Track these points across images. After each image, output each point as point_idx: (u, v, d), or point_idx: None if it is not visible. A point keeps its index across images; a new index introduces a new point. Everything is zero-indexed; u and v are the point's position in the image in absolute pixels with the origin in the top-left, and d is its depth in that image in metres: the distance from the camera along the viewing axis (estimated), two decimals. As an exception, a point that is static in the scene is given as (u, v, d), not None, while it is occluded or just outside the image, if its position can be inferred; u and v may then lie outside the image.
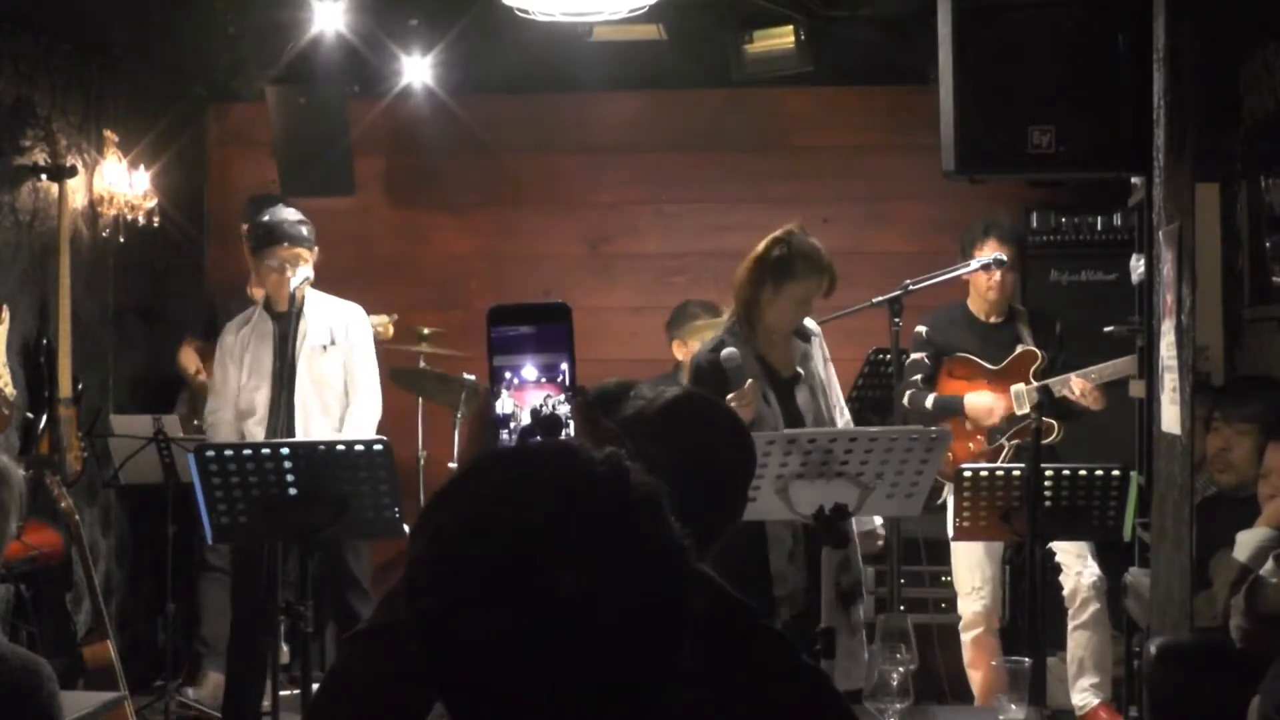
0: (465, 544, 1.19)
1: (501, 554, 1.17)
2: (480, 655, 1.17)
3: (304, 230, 5.28)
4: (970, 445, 5.54)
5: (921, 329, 5.65)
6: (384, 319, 5.86)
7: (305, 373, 5.24)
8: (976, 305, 5.67)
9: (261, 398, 5.24)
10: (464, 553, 1.19)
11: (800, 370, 4.38)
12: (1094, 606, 5.46)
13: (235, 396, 5.33)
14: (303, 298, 5.24)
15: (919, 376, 5.56)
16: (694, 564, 1.24)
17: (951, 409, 5.53)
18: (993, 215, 5.80)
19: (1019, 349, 5.58)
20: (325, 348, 5.28)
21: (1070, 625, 5.50)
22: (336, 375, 5.30)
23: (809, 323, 4.49)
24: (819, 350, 4.47)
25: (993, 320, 5.65)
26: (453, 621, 1.18)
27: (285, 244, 5.23)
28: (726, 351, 4.20)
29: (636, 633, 1.18)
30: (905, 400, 5.43)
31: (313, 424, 5.21)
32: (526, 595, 1.15)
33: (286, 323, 5.22)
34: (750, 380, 4.16)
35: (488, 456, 1.29)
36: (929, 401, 5.50)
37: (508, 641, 1.15)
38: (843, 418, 4.50)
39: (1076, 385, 5.41)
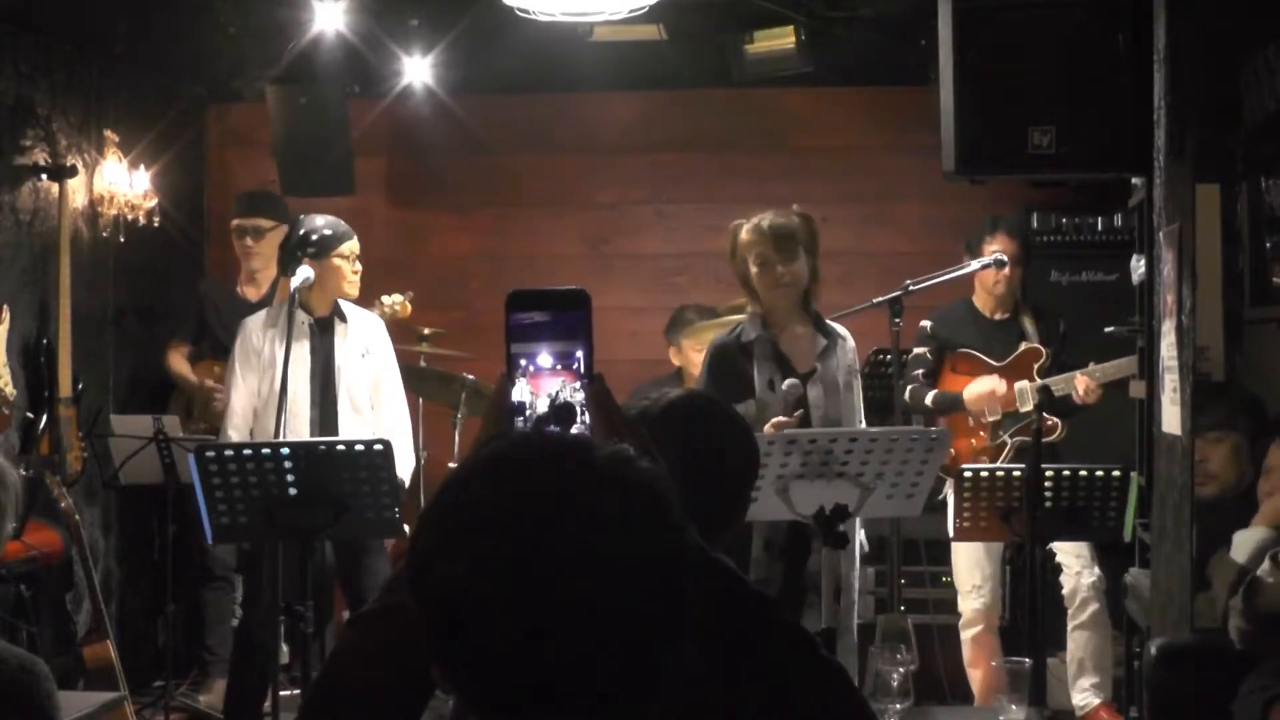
0: (465, 489, 1.21)
1: (498, 499, 1.19)
2: (464, 591, 1.17)
3: None
4: (973, 441, 5.55)
5: (926, 323, 5.66)
6: (399, 297, 5.86)
7: (344, 378, 5.22)
8: (981, 301, 5.67)
9: (302, 401, 5.14)
10: (462, 495, 1.21)
11: (818, 366, 4.45)
12: (1093, 607, 5.46)
13: (251, 399, 5.19)
14: (334, 304, 5.24)
15: (921, 371, 5.57)
16: (694, 555, 1.24)
17: (952, 404, 5.53)
18: (999, 214, 5.81)
19: (1023, 346, 5.58)
20: (363, 356, 5.27)
21: (1070, 625, 5.50)
22: (370, 382, 5.27)
23: (838, 327, 4.58)
24: (843, 355, 4.53)
25: (997, 316, 5.66)
26: (441, 555, 1.19)
27: (354, 238, 5.22)
28: (789, 385, 4.36)
29: (635, 615, 1.18)
30: (906, 395, 5.44)
31: (348, 424, 5.20)
32: (517, 539, 1.16)
33: (328, 326, 5.22)
34: (799, 413, 4.30)
35: (493, 445, 1.29)
36: (929, 398, 5.50)
37: (506, 611, 1.16)
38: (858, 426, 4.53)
39: (1080, 384, 5.41)
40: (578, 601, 1.16)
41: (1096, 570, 5.46)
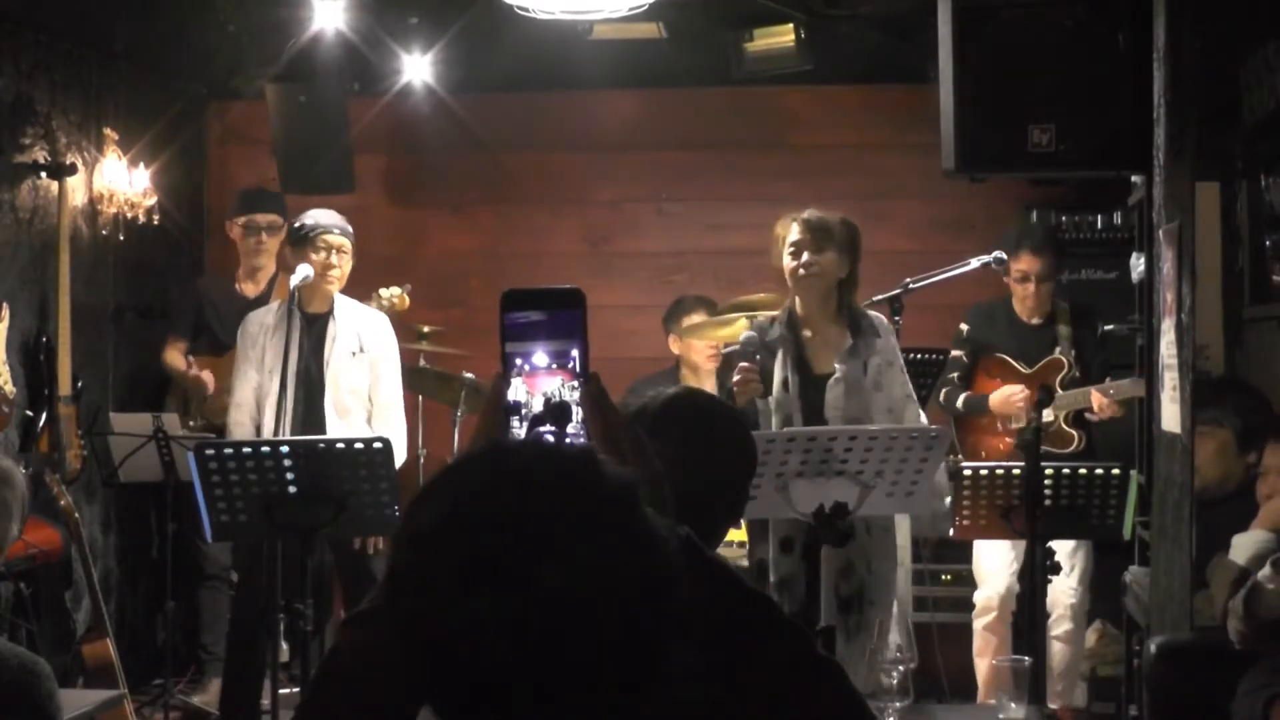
0: (439, 544, 1.20)
1: (475, 550, 1.18)
2: (460, 652, 1.17)
3: (347, 224, 5.26)
4: (1000, 446, 5.59)
5: (963, 326, 5.75)
6: (397, 290, 5.85)
7: (332, 377, 5.21)
8: (1018, 305, 5.69)
9: (275, 396, 5.10)
10: (438, 552, 1.20)
11: (838, 368, 4.29)
12: (1067, 626, 5.47)
13: (255, 389, 5.21)
14: (331, 301, 5.22)
15: (956, 375, 5.66)
16: (678, 556, 1.24)
17: (979, 408, 5.61)
18: (1027, 223, 5.79)
19: (1048, 355, 5.60)
20: (354, 354, 5.23)
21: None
22: (362, 381, 5.24)
23: (876, 317, 4.44)
24: (873, 352, 4.34)
25: (1034, 321, 5.67)
26: (430, 619, 1.18)
27: (335, 231, 5.18)
28: (745, 334, 4.42)
29: (615, 623, 1.18)
30: (940, 398, 5.58)
31: (332, 426, 5.16)
32: (502, 589, 1.16)
33: (319, 324, 5.18)
34: (745, 364, 4.24)
35: (460, 459, 1.30)
36: (960, 402, 5.60)
37: (485, 635, 1.16)
38: (908, 413, 4.35)
39: (1095, 401, 5.42)
40: (554, 605, 1.16)
41: (1084, 592, 5.46)
